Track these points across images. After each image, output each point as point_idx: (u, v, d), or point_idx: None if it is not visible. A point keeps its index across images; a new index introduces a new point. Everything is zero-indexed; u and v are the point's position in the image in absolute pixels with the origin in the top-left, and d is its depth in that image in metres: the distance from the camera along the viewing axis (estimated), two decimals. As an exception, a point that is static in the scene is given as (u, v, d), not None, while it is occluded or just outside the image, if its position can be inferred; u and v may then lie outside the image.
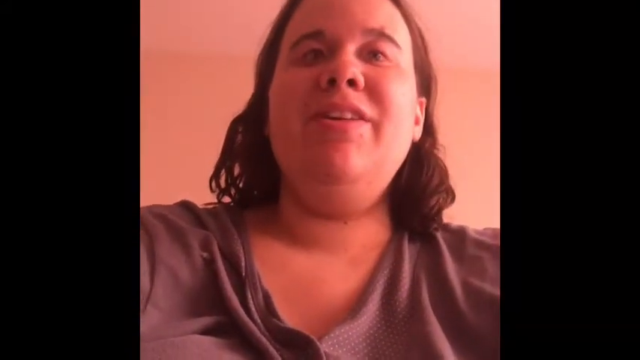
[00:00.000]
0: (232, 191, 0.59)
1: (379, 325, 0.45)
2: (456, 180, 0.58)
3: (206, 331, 0.41)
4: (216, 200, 0.59)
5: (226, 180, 0.58)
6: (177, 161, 1.76)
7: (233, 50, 1.55)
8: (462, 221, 0.58)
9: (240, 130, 0.58)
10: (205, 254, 0.47)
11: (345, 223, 0.53)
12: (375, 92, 0.49)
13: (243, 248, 0.49)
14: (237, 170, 0.58)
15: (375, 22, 0.51)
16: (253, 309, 0.43)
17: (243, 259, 0.47)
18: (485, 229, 0.56)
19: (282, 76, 0.53)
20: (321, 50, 0.50)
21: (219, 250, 0.48)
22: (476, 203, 1.19)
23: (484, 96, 2.03)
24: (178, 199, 0.57)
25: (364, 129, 0.48)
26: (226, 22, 1.86)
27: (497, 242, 0.52)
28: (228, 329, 0.42)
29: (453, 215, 0.58)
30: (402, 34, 0.53)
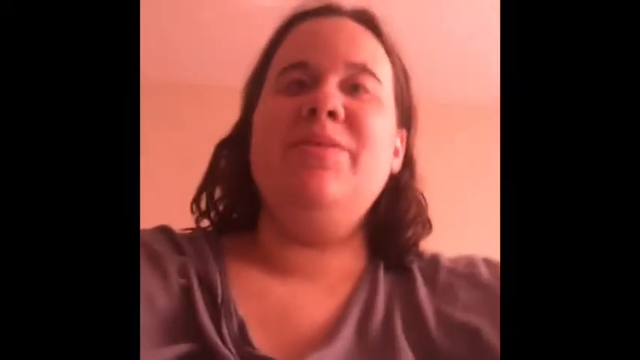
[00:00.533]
0: (212, 215, 0.59)
1: (354, 352, 0.45)
2: (434, 211, 0.59)
3: (180, 359, 0.41)
4: (194, 224, 0.59)
5: (207, 202, 0.59)
6: (165, 185, 1.76)
7: (223, 80, 1.57)
8: (437, 249, 0.58)
9: (224, 153, 0.59)
10: (182, 281, 0.47)
11: (323, 251, 0.54)
12: (353, 124, 0.50)
13: (220, 274, 0.49)
14: (218, 194, 0.59)
15: (358, 57, 0.52)
16: (227, 337, 0.43)
17: (219, 286, 0.47)
18: (458, 256, 0.56)
19: (267, 103, 0.54)
20: (305, 81, 0.52)
21: (197, 276, 0.48)
22: (453, 233, 1.20)
23: (468, 130, 2.07)
24: (164, 222, 0.57)
25: (341, 157, 0.49)
26: (215, 54, 1.90)
27: (469, 270, 0.53)
28: (202, 357, 0.42)
29: (428, 244, 0.59)
30: (383, 69, 0.55)
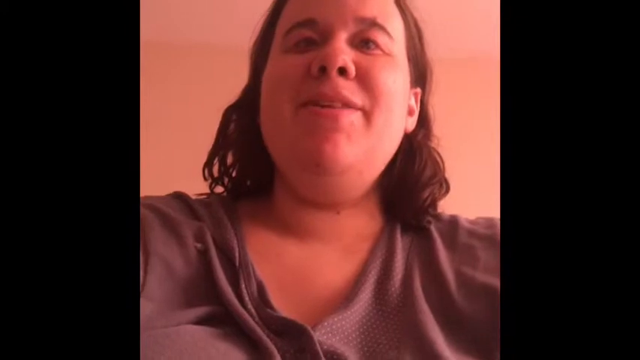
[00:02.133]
0: (225, 180, 0.59)
1: (372, 314, 0.45)
2: (451, 171, 0.58)
3: (200, 321, 0.41)
4: (208, 189, 0.59)
5: (219, 169, 0.58)
6: (173, 151, 1.75)
7: (229, 41, 1.54)
8: (456, 211, 0.58)
9: (233, 118, 0.58)
10: (199, 245, 0.47)
11: (338, 213, 0.53)
12: (366, 81, 0.49)
13: (237, 239, 0.49)
14: (230, 159, 0.58)
15: (368, 11, 0.50)
16: (247, 299, 0.43)
17: (236, 249, 0.47)
18: (477, 218, 0.56)
19: (275, 63, 0.53)
20: (314, 38, 0.50)
21: (213, 240, 0.48)
22: (470, 193, 1.19)
23: (479, 84, 2.02)
24: (174, 189, 0.57)
25: (355, 117, 0.48)
26: (221, 13, 1.85)
27: (490, 231, 0.52)
28: (222, 319, 0.42)
29: (447, 205, 0.58)
30: (395, 24, 0.53)
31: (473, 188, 1.41)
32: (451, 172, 0.58)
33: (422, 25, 0.58)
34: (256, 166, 0.57)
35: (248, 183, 0.59)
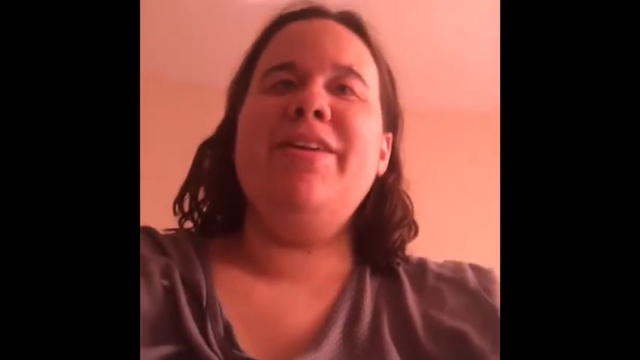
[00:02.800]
0: (195, 216, 0.58)
1: (341, 356, 0.44)
2: (419, 214, 0.59)
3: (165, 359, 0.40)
4: (177, 225, 0.58)
5: (190, 204, 0.58)
6: (148, 185, 1.73)
7: (207, 80, 1.56)
8: (424, 253, 0.58)
9: (208, 153, 0.58)
10: (165, 282, 0.46)
11: (309, 252, 0.53)
12: (341, 124, 0.50)
13: (205, 277, 0.48)
14: (202, 194, 0.58)
15: (345, 59, 0.52)
16: (213, 339, 0.43)
17: (204, 287, 0.47)
18: (445, 261, 0.56)
19: (252, 103, 0.54)
20: (292, 81, 0.51)
21: (180, 278, 0.47)
22: (438, 236, 1.21)
23: (451, 134, 2.08)
24: (144, 223, 0.56)
25: (329, 160, 0.49)
26: (201, 51, 1.87)
27: (457, 275, 0.53)
28: (187, 359, 0.41)
29: (415, 248, 0.59)
30: (370, 72, 0.55)
31: (441, 231, 1.43)
32: (419, 216, 0.59)
33: (395, 73, 0.60)
34: (228, 201, 0.57)
35: (219, 219, 0.59)
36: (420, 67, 1.86)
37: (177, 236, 0.55)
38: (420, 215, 0.59)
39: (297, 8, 0.56)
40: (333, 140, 0.49)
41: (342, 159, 0.50)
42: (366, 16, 0.58)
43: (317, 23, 0.55)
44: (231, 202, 0.57)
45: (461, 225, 1.86)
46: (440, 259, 0.58)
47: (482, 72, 1.80)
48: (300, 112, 0.48)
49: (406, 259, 0.57)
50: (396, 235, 0.56)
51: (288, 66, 0.52)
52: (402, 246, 0.57)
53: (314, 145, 0.49)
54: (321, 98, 0.49)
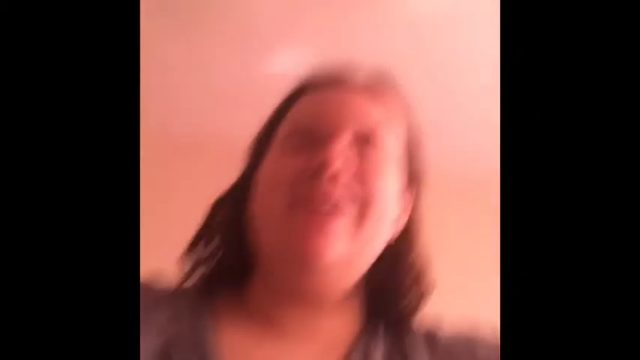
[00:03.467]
0: (201, 272, 0.58)
1: None
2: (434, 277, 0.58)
3: None
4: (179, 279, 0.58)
5: (198, 258, 0.57)
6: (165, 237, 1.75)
7: (231, 141, 1.60)
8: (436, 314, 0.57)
9: (222, 208, 0.59)
10: (165, 337, 0.46)
11: (317, 312, 0.52)
12: (357, 188, 0.50)
13: (208, 332, 0.48)
14: (209, 250, 0.57)
15: (365, 124, 0.53)
16: None
17: (209, 344, 0.46)
18: (457, 332, 0.55)
19: (272, 162, 0.54)
20: (312, 144, 0.52)
21: (183, 336, 0.47)
22: (452, 298, 1.18)
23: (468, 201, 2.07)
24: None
25: (345, 221, 0.49)
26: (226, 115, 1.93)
27: (468, 348, 0.52)
28: None
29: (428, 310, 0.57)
30: (391, 134, 0.55)
31: (455, 293, 1.40)
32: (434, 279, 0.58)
33: (422, 134, 0.60)
34: (238, 257, 0.57)
35: (225, 276, 0.58)
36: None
37: (182, 290, 0.55)
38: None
39: (321, 76, 0.58)
40: (349, 201, 0.50)
41: (358, 221, 0.50)
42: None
43: (342, 96, 0.56)
44: (240, 260, 0.56)
45: (475, 287, 1.83)
46: (454, 320, 0.56)
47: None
48: (318, 174, 0.49)
49: (417, 324, 0.55)
50: (407, 300, 0.55)
51: (309, 130, 0.53)
52: (414, 312, 0.55)
53: (329, 207, 0.49)
54: (339, 161, 0.50)
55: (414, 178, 0.59)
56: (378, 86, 0.58)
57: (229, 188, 0.60)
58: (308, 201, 0.49)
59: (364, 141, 0.53)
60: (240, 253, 0.56)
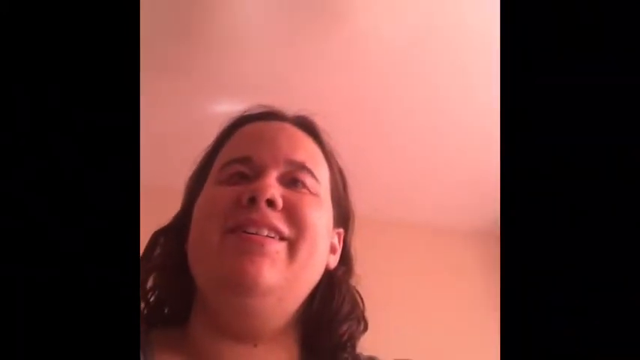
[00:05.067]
0: (142, 305, 0.57)
1: None
2: (371, 310, 0.59)
3: None
4: None
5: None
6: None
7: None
8: (375, 352, 0.58)
9: (160, 242, 0.59)
10: None
11: (255, 346, 0.52)
12: (292, 214, 0.52)
13: None
14: (150, 283, 0.57)
15: (298, 156, 0.56)
16: None
17: None
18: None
19: (208, 192, 0.56)
20: (247, 174, 0.54)
21: None
22: (390, 334, 1.18)
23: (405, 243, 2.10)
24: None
25: (279, 246, 0.50)
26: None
27: None
28: None
29: (367, 347, 0.58)
30: (321, 170, 0.58)
31: (393, 329, 1.40)
32: (371, 312, 0.59)
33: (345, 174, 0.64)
34: (176, 292, 0.56)
35: (165, 310, 0.57)
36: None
37: None
38: (377, 314, 0.59)
39: (256, 111, 0.61)
40: (284, 228, 0.51)
41: (292, 246, 0.51)
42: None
43: (274, 124, 0.60)
44: (179, 293, 0.56)
45: (412, 322, 1.83)
46: (391, 357, 0.57)
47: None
48: (253, 201, 0.51)
49: (355, 357, 0.56)
50: (344, 328, 0.55)
51: (244, 160, 0.55)
52: (351, 341, 0.56)
53: (265, 232, 0.50)
54: (273, 188, 0.52)
55: (345, 213, 0.62)
56: (308, 124, 0.61)
57: (169, 222, 0.60)
58: (243, 226, 0.50)
59: (297, 169, 0.55)
60: (177, 290, 0.56)
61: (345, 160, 0.63)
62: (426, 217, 2.03)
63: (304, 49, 1.47)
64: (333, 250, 0.59)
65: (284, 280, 0.50)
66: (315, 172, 0.56)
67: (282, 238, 0.51)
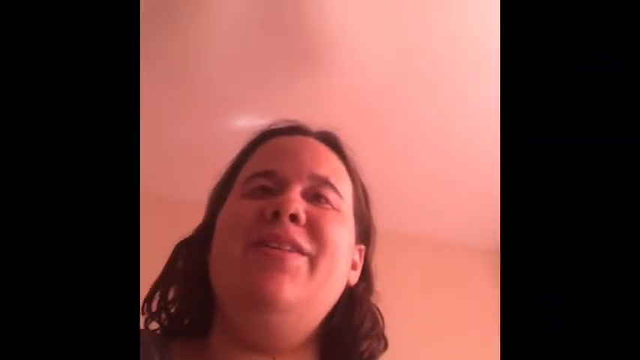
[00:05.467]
0: (162, 317, 0.57)
1: None
2: (391, 329, 0.58)
3: None
4: (142, 325, 0.57)
5: (159, 303, 0.57)
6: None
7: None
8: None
9: (183, 253, 0.59)
10: None
11: (274, 359, 0.52)
12: (315, 229, 0.52)
13: None
14: (172, 295, 0.57)
15: (322, 171, 0.56)
16: None
17: None
18: None
19: (231, 206, 0.56)
20: (270, 187, 0.55)
21: None
22: (410, 352, 1.16)
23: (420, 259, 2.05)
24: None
25: (300, 262, 0.50)
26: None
27: None
28: None
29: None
30: (345, 185, 0.58)
31: (412, 347, 1.37)
32: (391, 330, 0.58)
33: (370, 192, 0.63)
34: (197, 304, 0.57)
35: (185, 322, 0.58)
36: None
37: (141, 338, 0.54)
38: (395, 332, 0.58)
39: (280, 126, 0.62)
40: (306, 243, 0.51)
41: (313, 262, 0.51)
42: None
43: (298, 139, 0.60)
44: (200, 305, 0.56)
45: (432, 340, 1.79)
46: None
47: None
48: (277, 215, 0.51)
49: None
50: (364, 346, 0.55)
51: (269, 174, 0.55)
52: (371, 359, 0.55)
53: (287, 247, 0.50)
54: (297, 203, 0.52)
55: (366, 229, 0.61)
56: (332, 139, 0.62)
57: (192, 233, 0.61)
58: (266, 241, 0.50)
59: (321, 185, 0.55)
60: (198, 301, 0.56)
61: (367, 176, 0.63)
62: (447, 234, 2.00)
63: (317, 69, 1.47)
64: (354, 266, 0.59)
65: (305, 296, 0.50)
66: (339, 188, 0.56)
67: (303, 253, 0.51)
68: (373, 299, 0.60)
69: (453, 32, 1.36)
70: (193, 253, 0.59)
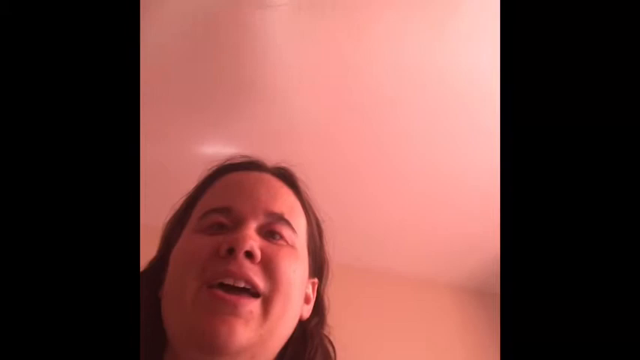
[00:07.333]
0: None
1: None
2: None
3: None
4: None
5: None
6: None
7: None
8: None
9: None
10: None
11: None
12: (269, 267, 0.53)
13: None
14: None
15: (277, 207, 0.57)
16: None
17: None
18: None
19: (186, 241, 0.56)
20: (226, 224, 0.55)
21: None
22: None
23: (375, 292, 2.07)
24: None
25: (254, 305, 0.50)
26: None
27: None
28: None
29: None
30: (299, 221, 0.60)
31: None
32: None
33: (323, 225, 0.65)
34: (147, 340, 0.55)
35: None
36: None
37: None
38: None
39: (237, 161, 0.63)
40: (260, 281, 0.51)
41: (267, 302, 0.51)
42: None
43: (254, 175, 0.61)
44: (150, 341, 0.55)
45: None
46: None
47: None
48: (232, 252, 0.51)
49: None
50: None
51: (224, 210, 0.56)
52: None
53: (242, 284, 0.50)
54: (252, 240, 0.52)
55: (320, 263, 0.63)
56: (287, 175, 0.63)
57: (146, 267, 0.60)
58: (221, 278, 0.50)
59: (276, 221, 0.56)
60: (149, 335, 0.55)
61: (324, 209, 0.65)
62: (404, 267, 2.02)
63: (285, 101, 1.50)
64: (307, 300, 0.60)
65: (257, 337, 0.50)
66: (293, 224, 0.58)
67: (256, 294, 0.51)
68: (326, 332, 0.60)
69: (400, 60, 1.41)
70: (145, 287, 0.58)
